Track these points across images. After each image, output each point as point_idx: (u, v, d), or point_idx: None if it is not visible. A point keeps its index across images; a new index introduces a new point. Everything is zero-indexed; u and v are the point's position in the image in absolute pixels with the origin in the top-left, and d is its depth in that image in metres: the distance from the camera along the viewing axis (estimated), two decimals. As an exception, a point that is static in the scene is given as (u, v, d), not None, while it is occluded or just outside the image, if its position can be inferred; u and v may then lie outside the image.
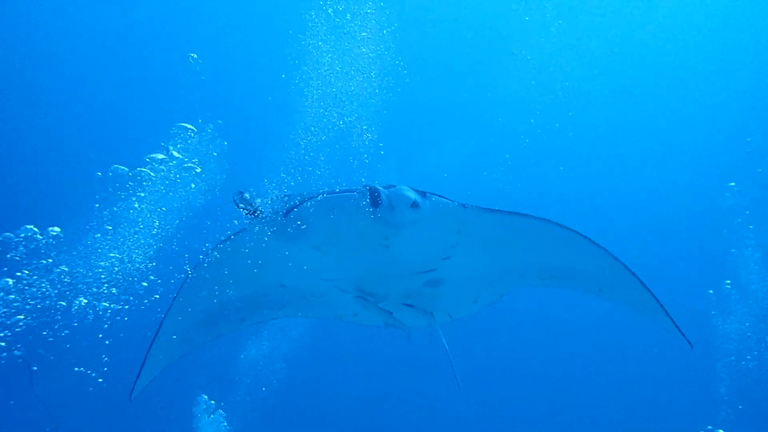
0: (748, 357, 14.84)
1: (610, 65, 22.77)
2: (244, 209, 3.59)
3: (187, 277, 4.14)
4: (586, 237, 4.08)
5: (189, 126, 4.93)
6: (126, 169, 4.62)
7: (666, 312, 4.26)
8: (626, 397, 24.02)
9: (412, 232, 3.85)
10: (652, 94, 23.64)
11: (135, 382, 4.29)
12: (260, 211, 3.60)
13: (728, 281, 15.47)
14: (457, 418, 23.71)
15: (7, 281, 4.11)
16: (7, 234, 4.29)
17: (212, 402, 11.52)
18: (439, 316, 4.84)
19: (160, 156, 4.50)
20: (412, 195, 3.73)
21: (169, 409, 16.25)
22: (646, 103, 23.85)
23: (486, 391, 23.14)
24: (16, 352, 4.34)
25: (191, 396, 11.51)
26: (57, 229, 4.35)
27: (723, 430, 10.22)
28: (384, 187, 3.69)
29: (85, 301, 4.10)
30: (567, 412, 24.21)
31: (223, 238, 4.01)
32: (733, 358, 15.12)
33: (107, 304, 4.09)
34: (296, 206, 3.59)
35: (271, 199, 3.69)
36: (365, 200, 3.57)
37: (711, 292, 15.98)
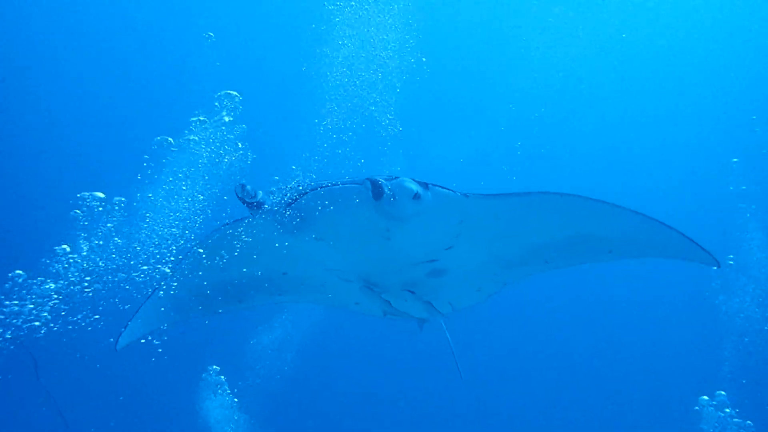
0: (751, 332, 14.94)
1: (616, 49, 22.65)
2: (245, 202, 3.60)
3: (189, 250, 4.14)
4: (589, 198, 3.98)
5: (234, 93, 4.87)
6: (171, 139, 4.62)
7: (689, 238, 4.06)
8: (628, 384, 24.26)
9: (415, 223, 3.84)
10: (657, 74, 23.51)
11: (121, 334, 4.28)
12: (262, 203, 3.61)
13: (731, 256, 15.49)
14: (461, 409, 23.98)
15: (82, 246, 4.20)
16: (75, 207, 4.37)
17: (222, 377, 11.64)
18: (441, 306, 4.83)
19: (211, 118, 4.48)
20: (414, 187, 3.70)
21: (178, 385, 16.51)
22: (652, 84, 23.74)
23: (488, 379, 23.44)
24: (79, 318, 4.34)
25: (202, 368, 11.63)
26: (122, 198, 4.41)
27: (725, 392, 10.31)
28: (386, 179, 3.66)
29: (146, 267, 4.15)
30: (572, 395, 24.51)
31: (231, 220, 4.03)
32: (735, 332, 15.23)
33: (168, 270, 4.13)
34: (298, 198, 3.60)
35: (273, 190, 3.70)
36: (367, 192, 3.56)
37: (714, 268, 15.99)
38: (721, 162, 20.48)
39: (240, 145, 4.33)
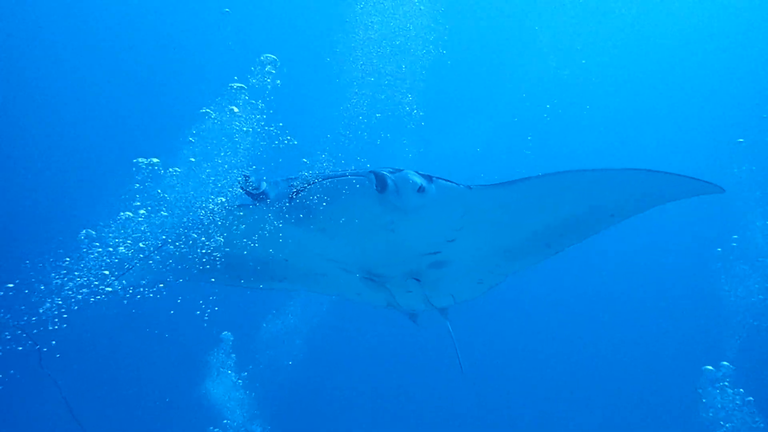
0: (753, 310, 15.04)
1: (624, 34, 22.49)
2: (249, 193, 3.60)
3: (193, 223, 4.11)
4: (585, 170, 3.92)
5: (271, 56, 4.73)
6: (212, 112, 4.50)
7: (685, 175, 4.00)
8: (629, 372, 24.47)
9: (418, 216, 3.84)
10: (662, 60, 23.35)
11: (116, 277, 4.35)
12: (266, 194, 3.61)
13: (735, 236, 15.52)
14: (462, 401, 24.24)
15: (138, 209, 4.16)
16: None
17: (233, 355, 11.81)
18: (442, 298, 4.86)
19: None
20: (418, 179, 3.69)
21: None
22: (657, 68, 23.60)
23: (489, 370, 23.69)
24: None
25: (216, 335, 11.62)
26: (178, 169, 4.37)
27: (729, 363, 10.36)
28: (390, 172, 3.66)
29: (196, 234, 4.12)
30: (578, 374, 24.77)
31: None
32: (738, 310, 15.31)
33: (222, 238, 4.12)
34: (302, 190, 3.59)
35: (278, 181, 3.69)
36: (371, 185, 3.56)
37: (719, 250, 16.07)
38: (727, 141, 20.36)
39: (281, 124, 4.25)
